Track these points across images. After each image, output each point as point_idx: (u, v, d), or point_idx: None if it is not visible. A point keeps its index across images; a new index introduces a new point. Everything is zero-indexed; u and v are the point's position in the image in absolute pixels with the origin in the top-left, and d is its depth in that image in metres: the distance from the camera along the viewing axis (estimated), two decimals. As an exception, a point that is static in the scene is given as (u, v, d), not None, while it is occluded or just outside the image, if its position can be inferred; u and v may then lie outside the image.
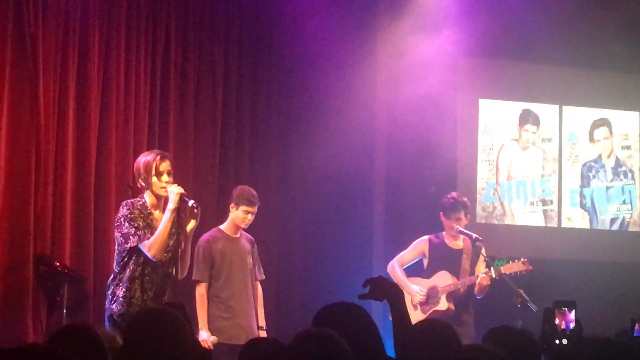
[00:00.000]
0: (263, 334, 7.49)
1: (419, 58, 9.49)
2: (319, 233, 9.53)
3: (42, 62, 7.88)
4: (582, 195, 10.37)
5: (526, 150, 10.25)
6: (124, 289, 6.29)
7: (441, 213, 8.22)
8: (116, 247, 6.41)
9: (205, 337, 7.16)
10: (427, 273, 8.22)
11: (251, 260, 7.58)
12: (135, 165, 6.53)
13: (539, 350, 4.10)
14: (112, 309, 6.31)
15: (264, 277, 7.71)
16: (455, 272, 8.11)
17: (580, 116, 10.43)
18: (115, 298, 6.32)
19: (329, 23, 9.37)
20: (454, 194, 8.32)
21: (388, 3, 9.82)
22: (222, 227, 7.57)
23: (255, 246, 7.70)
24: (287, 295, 9.35)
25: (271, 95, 9.48)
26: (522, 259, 8.01)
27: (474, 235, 8.02)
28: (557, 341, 3.78)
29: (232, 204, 7.51)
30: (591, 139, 10.45)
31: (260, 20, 9.43)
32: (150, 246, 6.23)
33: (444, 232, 8.25)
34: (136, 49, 8.54)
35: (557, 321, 3.71)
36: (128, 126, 8.42)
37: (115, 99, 8.34)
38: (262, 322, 7.57)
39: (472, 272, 8.11)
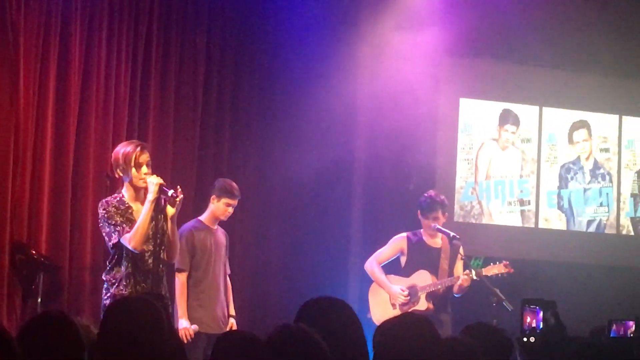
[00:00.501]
0: (234, 322, 7.59)
1: (400, 56, 9.51)
2: (296, 227, 9.50)
3: (23, 50, 7.85)
4: (559, 197, 10.41)
5: (505, 150, 10.28)
6: (118, 286, 6.28)
7: (419, 212, 8.21)
8: (107, 245, 6.42)
9: (185, 325, 7.20)
10: (406, 271, 8.20)
11: (224, 253, 7.63)
12: (113, 155, 6.49)
13: (512, 347, 4.16)
14: (106, 304, 6.28)
15: (229, 272, 7.76)
16: (434, 270, 8.10)
17: (559, 118, 10.46)
18: (109, 295, 6.30)
19: (312, 18, 9.36)
20: (431, 192, 8.30)
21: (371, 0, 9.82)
22: (202, 218, 7.62)
23: (228, 240, 7.75)
24: (263, 289, 9.33)
25: (252, 90, 9.46)
26: (503, 262, 8.03)
27: (452, 234, 8.02)
28: (524, 339, 3.80)
29: (214, 196, 7.55)
30: (570, 141, 10.49)
31: (244, 15, 9.40)
32: (130, 238, 6.22)
33: (422, 230, 8.24)
34: (118, 39, 8.50)
35: (528, 319, 3.72)
36: (107, 116, 8.39)
37: (96, 89, 8.31)
38: (232, 311, 7.63)
39: (450, 271, 8.11)
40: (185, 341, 7.06)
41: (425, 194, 8.25)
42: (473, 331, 4.14)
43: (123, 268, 6.29)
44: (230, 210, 7.56)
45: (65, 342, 3.54)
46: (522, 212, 10.29)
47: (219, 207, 7.53)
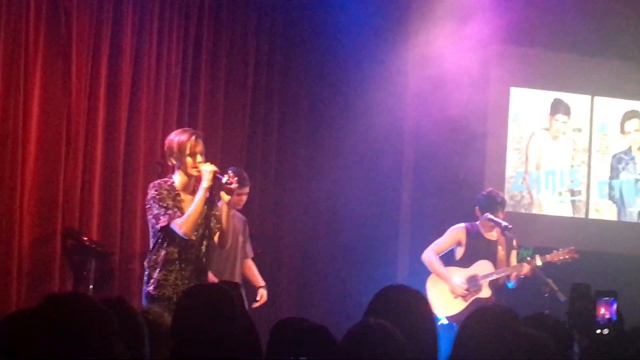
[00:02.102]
0: (264, 291, 7.69)
1: (451, 45, 9.42)
2: (344, 217, 9.43)
3: (76, 37, 7.91)
4: (610, 187, 10.31)
5: (556, 140, 10.18)
6: (160, 271, 6.21)
7: (477, 208, 8.15)
8: (150, 229, 6.37)
9: None
10: (464, 262, 8.14)
11: (242, 238, 7.65)
12: (167, 143, 6.43)
13: (572, 340, 4.10)
14: (149, 291, 6.25)
15: (252, 255, 7.81)
16: (492, 262, 8.06)
17: (611, 107, 10.35)
18: (152, 280, 6.25)
19: (362, 9, 9.29)
20: (492, 191, 8.21)
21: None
22: None
23: (247, 226, 7.77)
24: (310, 279, 9.29)
25: (300, 77, 9.41)
26: (568, 248, 8.02)
27: (504, 224, 7.95)
28: (598, 331, 3.74)
29: None
30: (622, 131, 10.38)
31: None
32: (182, 224, 6.18)
33: (478, 222, 8.17)
34: (169, 24, 8.52)
35: (602, 311, 3.66)
36: (158, 103, 8.42)
37: (147, 76, 8.34)
38: (261, 282, 7.75)
39: (507, 262, 8.07)
40: None
41: (485, 192, 8.18)
42: (534, 322, 4.09)
43: (165, 253, 6.23)
44: (244, 198, 7.59)
45: (125, 328, 3.51)
46: (573, 202, 10.20)
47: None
